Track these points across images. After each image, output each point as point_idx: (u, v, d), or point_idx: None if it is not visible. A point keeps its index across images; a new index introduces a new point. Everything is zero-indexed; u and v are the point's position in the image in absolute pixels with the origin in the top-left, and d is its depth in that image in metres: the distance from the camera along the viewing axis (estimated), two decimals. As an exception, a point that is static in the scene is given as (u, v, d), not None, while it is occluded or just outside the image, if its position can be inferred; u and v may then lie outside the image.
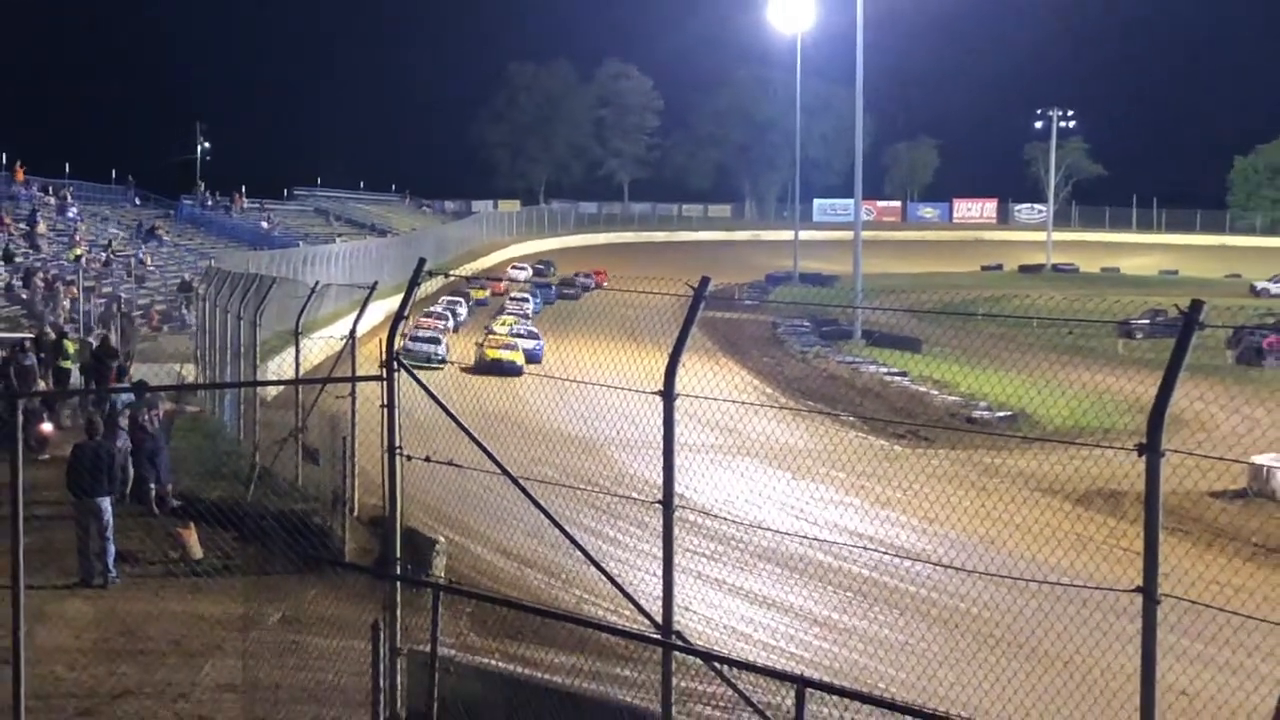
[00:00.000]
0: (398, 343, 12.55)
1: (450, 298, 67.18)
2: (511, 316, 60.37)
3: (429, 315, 56.99)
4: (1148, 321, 51.80)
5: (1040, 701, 11.67)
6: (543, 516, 11.98)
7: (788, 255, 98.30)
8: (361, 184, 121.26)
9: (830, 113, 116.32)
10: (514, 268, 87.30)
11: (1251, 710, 10.26)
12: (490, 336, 50.92)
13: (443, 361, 42.99)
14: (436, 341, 47.96)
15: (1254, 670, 14.92)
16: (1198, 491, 24.72)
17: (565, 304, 68.64)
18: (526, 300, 69.88)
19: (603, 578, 12.07)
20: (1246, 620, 9.08)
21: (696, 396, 12.09)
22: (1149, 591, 8.04)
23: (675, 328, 10.88)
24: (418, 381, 13.98)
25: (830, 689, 10.19)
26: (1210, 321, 8.24)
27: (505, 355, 47.24)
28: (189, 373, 33.52)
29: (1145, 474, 8.02)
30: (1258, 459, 28.00)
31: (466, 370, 42.52)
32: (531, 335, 52.32)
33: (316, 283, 30.26)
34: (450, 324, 58.67)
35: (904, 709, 9.30)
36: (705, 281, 11.01)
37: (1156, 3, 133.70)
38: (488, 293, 74.98)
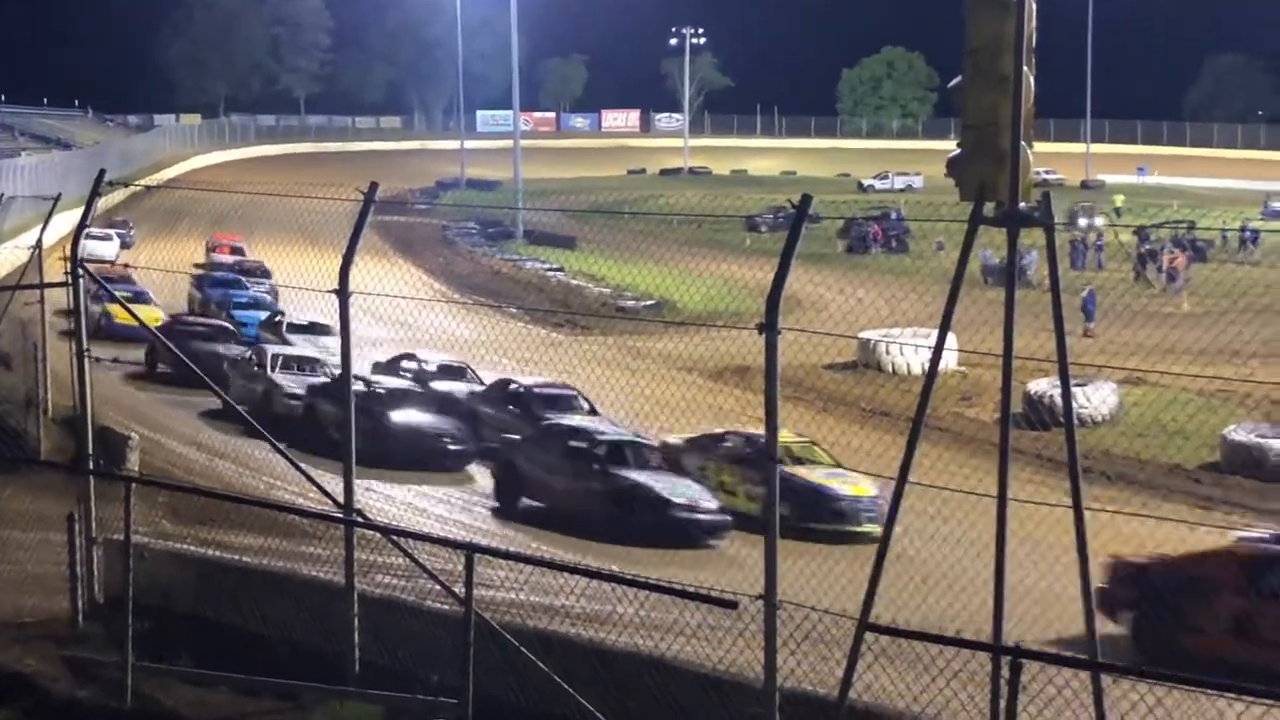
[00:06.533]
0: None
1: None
2: None
3: None
4: (770, 216, 53.45)
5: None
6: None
7: (456, 163, 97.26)
8: (45, 100, 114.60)
9: (490, 31, 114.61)
10: (90, 238, 47.40)
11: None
12: None
13: None
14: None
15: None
16: (812, 364, 25.45)
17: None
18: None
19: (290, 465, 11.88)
20: (853, 471, 9.54)
21: (371, 294, 11.93)
22: (771, 454, 8.30)
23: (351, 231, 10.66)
24: (101, 284, 13.35)
25: (495, 553, 10.33)
26: (820, 214, 8.49)
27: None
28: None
29: (765, 350, 8.13)
30: (864, 334, 28.92)
31: None
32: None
33: (1, 195, 28.63)
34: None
35: (555, 565, 9.49)
36: (374, 187, 10.80)
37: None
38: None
